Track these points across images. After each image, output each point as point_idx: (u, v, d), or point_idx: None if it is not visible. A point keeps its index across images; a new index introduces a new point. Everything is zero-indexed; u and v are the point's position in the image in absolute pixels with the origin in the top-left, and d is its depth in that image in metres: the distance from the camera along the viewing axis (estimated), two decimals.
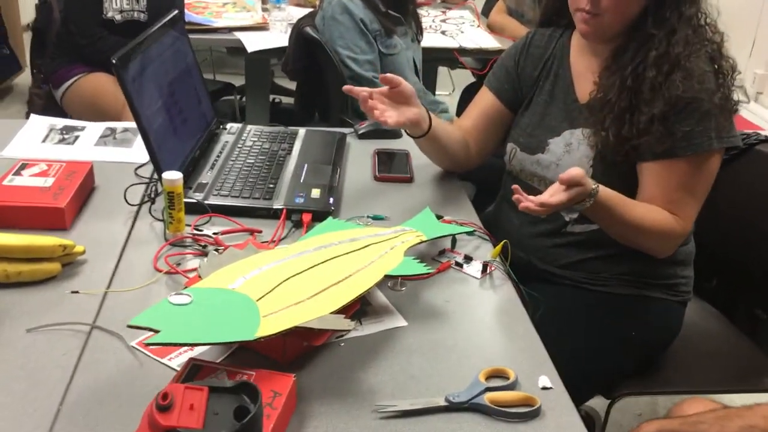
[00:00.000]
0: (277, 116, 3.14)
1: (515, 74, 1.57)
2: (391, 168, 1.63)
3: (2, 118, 3.80)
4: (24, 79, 4.18)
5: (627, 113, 1.37)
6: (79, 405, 0.93)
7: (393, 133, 1.83)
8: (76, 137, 1.72)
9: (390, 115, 1.38)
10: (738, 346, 1.64)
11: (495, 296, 1.23)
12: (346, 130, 1.83)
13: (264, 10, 3.06)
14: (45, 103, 2.79)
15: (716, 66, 1.36)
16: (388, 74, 1.41)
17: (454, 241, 1.32)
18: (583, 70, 1.48)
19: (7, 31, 4.14)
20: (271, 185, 1.47)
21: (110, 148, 1.68)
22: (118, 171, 1.55)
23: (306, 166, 1.57)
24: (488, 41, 2.91)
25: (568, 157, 1.44)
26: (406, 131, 1.52)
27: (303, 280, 1.05)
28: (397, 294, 1.20)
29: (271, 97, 3.31)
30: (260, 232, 1.34)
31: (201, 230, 1.32)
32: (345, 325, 0.96)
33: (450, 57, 2.85)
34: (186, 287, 1.07)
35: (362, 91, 1.39)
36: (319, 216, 1.39)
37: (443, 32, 3.00)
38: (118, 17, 2.57)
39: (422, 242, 1.25)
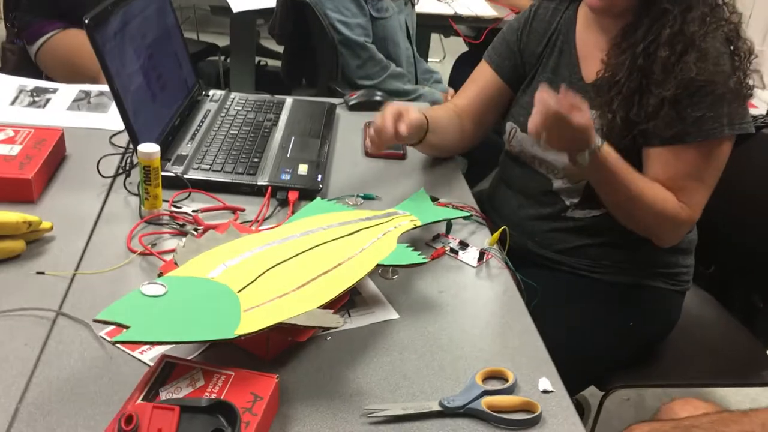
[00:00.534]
0: (263, 80, 3.03)
1: (517, 50, 1.48)
2: None
3: None
4: None
5: (636, 95, 1.29)
6: (40, 404, 0.85)
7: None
8: (48, 100, 1.61)
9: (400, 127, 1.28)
10: (735, 338, 1.59)
11: (492, 287, 1.16)
12: (335, 101, 1.73)
13: None
14: (19, 59, 2.64)
15: (732, 47, 1.28)
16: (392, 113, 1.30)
17: (449, 226, 1.24)
18: (590, 47, 1.39)
19: None
20: (256, 159, 1.38)
21: (84, 113, 1.57)
22: (91, 139, 1.45)
23: (293, 139, 1.48)
24: (485, 9, 2.81)
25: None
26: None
27: (288, 270, 0.97)
28: (388, 283, 1.12)
29: (257, 59, 3.19)
30: (243, 210, 1.26)
31: (179, 207, 1.23)
32: (334, 322, 0.88)
33: (444, 24, 2.75)
34: (161, 274, 0.99)
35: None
36: (307, 194, 1.31)
37: None
38: None
39: (416, 227, 1.17)
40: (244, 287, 0.91)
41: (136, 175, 1.28)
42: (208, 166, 1.34)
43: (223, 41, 3.28)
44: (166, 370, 0.84)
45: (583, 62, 1.40)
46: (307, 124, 1.56)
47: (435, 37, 3.84)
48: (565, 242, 1.43)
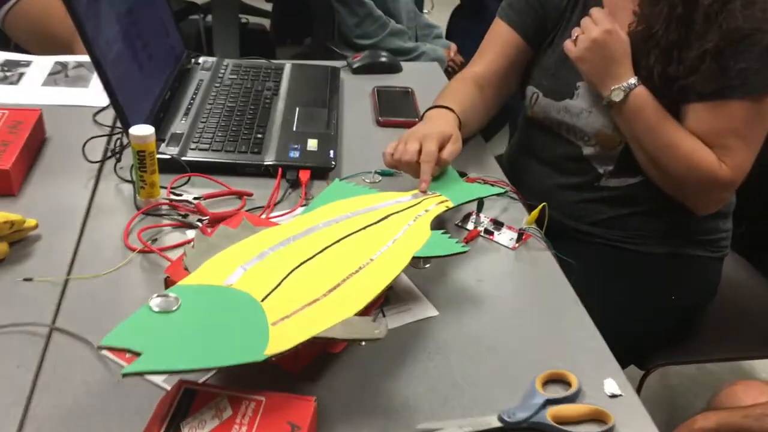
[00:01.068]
0: (247, 40, 2.85)
1: (538, 5, 1.33)
2: (395, 110, 1.41)
3: None
4: None
5: (675, 49, 1.17)
6: None
7: (392, 67, 1.60)
8: (21, 75, 1.45)
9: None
10: None
11: (534, 272, 1.04)
12: (338, 64, 1.59)
13: None
14: None
15: None
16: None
17: (480, 204, 1.12)
18: None
19: None
20: (259, 135, 1.24)
21: (62, 89, 1.41)
22: (73, 117, 1.30)
23: (297, 109, 1.34)
24: None
25: (602, 103, 1.23)
26: None
27: (315, 270, 0.84)
28: (420, 273, 1.00)
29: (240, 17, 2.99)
30: (251, 195, 1.12)
31: (179, 194, 1.10)
32: (376, 333, 0.76)
33: None
34: (167, 278, 0.87)
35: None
36: (319, 173, 1.18)
37: None
38: None
39: (448, 209, 1.05)
40: (268, 294, 0.79)
41: (127, 158, 1.15)
42: (207, 146, 1.20)
43: None
44: (186, 399, 0.72)
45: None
46: (310, 92, 1.42)
47: None
48: (598, 213, 1.32)
